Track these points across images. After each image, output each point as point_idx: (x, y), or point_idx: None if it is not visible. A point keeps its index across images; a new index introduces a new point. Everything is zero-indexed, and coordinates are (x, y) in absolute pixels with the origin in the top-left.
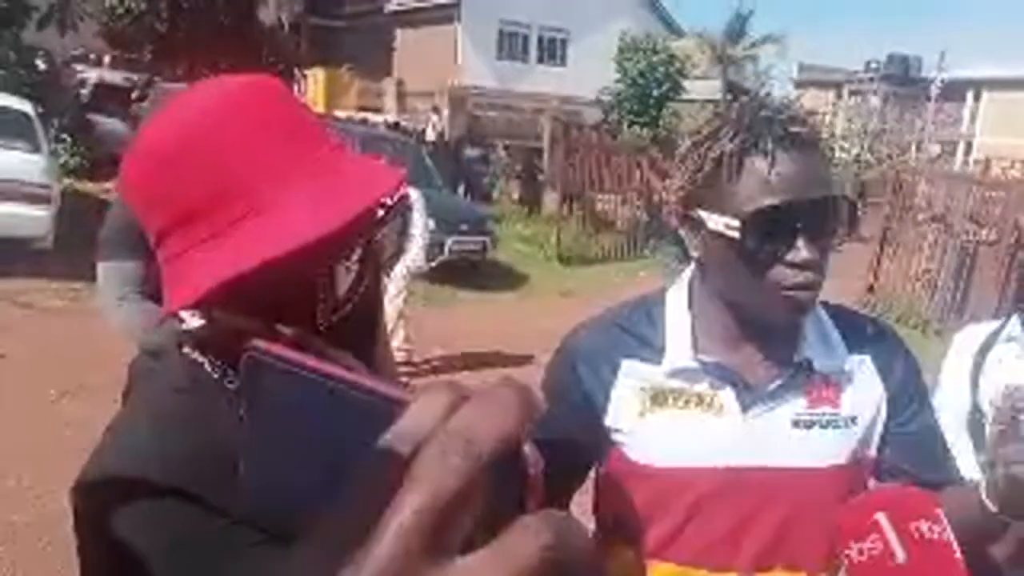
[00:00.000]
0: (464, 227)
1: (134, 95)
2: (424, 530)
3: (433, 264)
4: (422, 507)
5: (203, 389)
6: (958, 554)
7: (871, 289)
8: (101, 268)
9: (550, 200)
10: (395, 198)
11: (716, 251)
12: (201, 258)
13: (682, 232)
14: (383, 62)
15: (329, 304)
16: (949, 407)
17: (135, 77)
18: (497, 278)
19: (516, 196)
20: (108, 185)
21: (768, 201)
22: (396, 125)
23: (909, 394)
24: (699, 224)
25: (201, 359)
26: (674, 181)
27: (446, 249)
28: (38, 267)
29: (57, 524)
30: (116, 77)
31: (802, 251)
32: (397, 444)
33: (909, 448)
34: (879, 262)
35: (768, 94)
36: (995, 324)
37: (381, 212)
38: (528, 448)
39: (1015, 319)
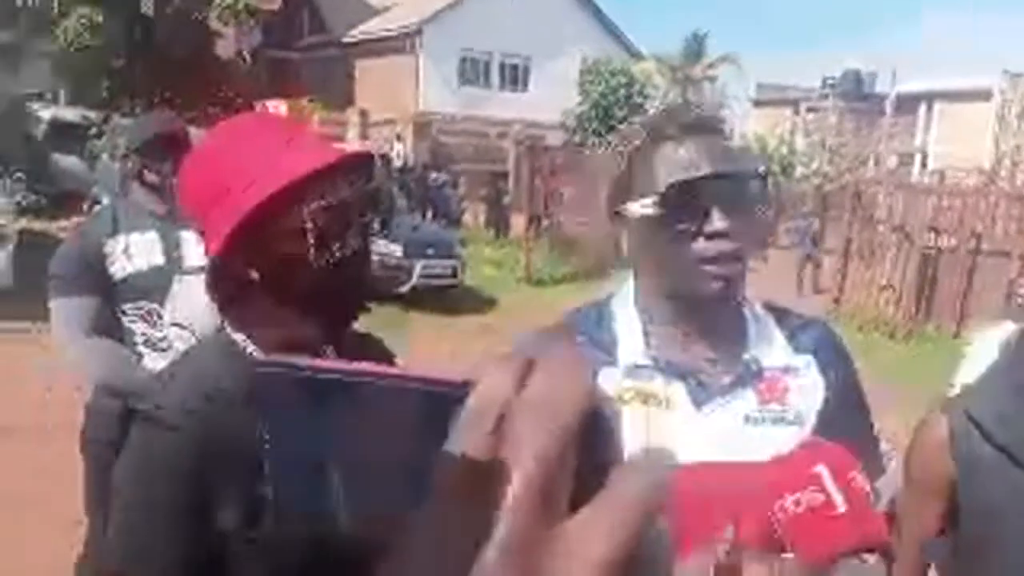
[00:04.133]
0: (431, 252)
1: (91, 132)
2: (537, 499)
3: (402, 290)
4: (532, 477)
5: (235, 358)
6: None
7: (837, 300)
8: (54, 305)
9: (517, 223)
10: (360, 166)
11: (642, 237)
12: (223, 220)
13: (617, 234)
14: (345, 92)
15: (320, 249)
16: None
17: (91, 114)
18: (467, 303)
19: (482, 220)
20: (66, 223)
21: (680, 176)
22: (384, 158)
23: (848, 395)
24: (625, 219)
25: (235, 336)
26: (603, 188)
27: (414, 275)
28: None
29: None
30: (72, 114)
31: (716, 222)
32: (477, 422)
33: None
34: (844, 273)
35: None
36: (1011, 326)
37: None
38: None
39: None
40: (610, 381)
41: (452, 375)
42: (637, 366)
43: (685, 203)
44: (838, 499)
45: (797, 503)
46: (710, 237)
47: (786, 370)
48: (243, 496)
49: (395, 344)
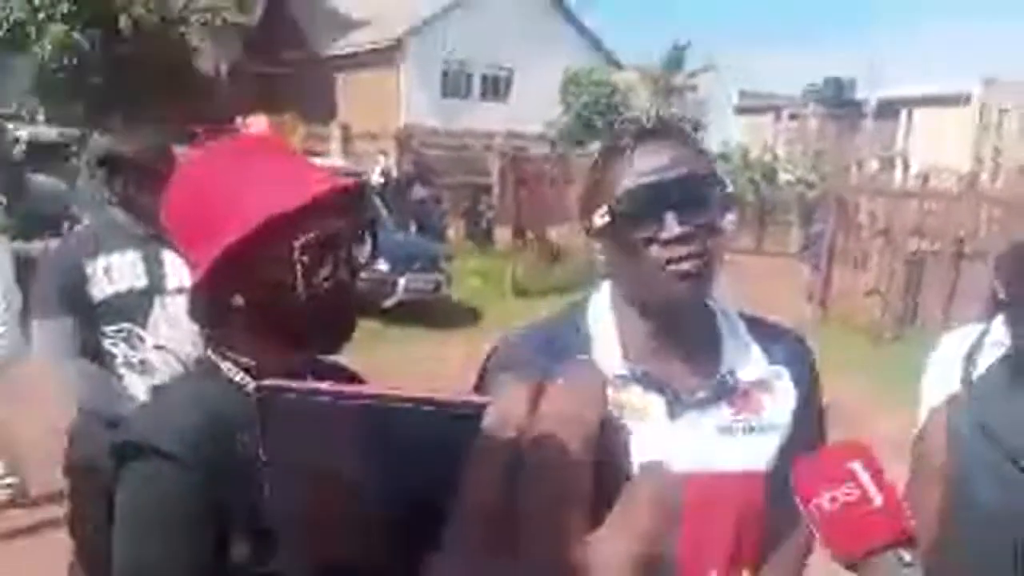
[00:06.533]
0: (416, 266)
1: (70, 150)
2: (562, 514)
3: (387, 305)
4: (556, 492)
5: (223, 386)
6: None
7: (823, 304)
8: (36, 326)
9: (503, 235)
10: (350, 196)
11: (606, 248)
12: (207, 248)
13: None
14: (327, 106)
15: (307, 280)
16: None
17: (70, 132)
18: (452, 316)
19: (463, 233)
20: (43, 244)
21: (628, 184)
22: (384, 178)
23: (812, 404)
24: (593, 229)
25: (221, 363)
26: (577, 203)
27: (399, 289)
28: None
29: None
30: (50, 133)
31: (672, 227)
32: (495, 442)
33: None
34: (829, 279)
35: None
36: (977, 328)
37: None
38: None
39: (998, 322)
40: None
41: (463, 397)
42: (615, 376)
43: (637, 211)
44: (875, 495)
45: (833, 500)
46: (666, 243)
47: (760, 383)
48: (251, 527)
49: (378, 359)
